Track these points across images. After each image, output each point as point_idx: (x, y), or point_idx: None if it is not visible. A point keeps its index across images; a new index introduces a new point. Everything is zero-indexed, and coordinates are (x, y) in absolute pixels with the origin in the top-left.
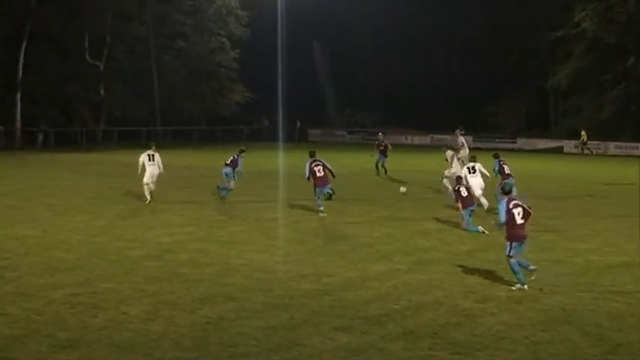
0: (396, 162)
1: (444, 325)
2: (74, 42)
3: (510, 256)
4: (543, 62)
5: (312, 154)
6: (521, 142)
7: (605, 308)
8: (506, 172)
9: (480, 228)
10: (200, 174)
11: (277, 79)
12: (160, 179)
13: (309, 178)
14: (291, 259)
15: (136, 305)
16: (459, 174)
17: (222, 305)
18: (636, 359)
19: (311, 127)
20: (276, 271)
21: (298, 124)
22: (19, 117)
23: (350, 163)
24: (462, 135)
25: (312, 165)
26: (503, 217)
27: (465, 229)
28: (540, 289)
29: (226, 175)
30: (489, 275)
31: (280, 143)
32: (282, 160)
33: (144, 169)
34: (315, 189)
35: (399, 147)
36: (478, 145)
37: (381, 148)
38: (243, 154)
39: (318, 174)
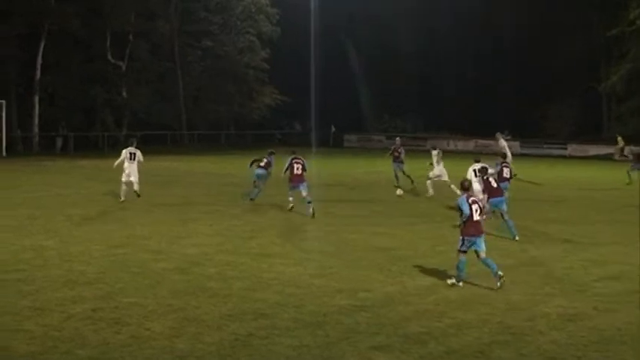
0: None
1: (489, 344)
2: (95, 41)
3: (461, 252)
4: (595, 63)
5: (293, 152)
6: (572, 149)
7: None
8: (504, 175)
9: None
10: (229, 181)
11: (310, 81)
12: (187, 187)
13: (285, 172)
14: (326, 272)
15: (161, 321)
16: (444, 178)
17: (251, 322)
18: None
19: (347, 132)
20: (310, 286)
21: (333, 129)
22: (36, 121)
23: (389, 171)
24: (505, 139)
25: (293, 161)
26: (467, 210)
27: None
28: (594, 307)
29: (259, 176)
30: (537, 291)
31: (314, 149)
32: (315, 167)
33: (122, 166)
34: (289, 184)
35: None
36: (525, 151)
37: (395, 154)
38: (273, 155)
39: (295, 171)
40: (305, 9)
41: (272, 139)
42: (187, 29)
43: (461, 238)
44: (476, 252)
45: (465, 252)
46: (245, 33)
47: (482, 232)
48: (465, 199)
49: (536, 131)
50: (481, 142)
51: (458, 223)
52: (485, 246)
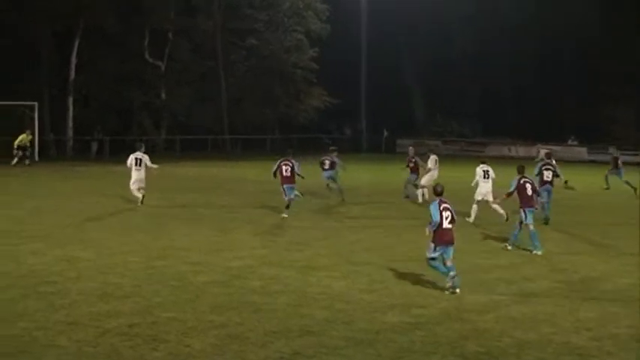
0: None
1: None
2: (132, 39)
3: (431, 259)
4: None
5: (287, 153)
6: None
7: None
8: (545, 178)
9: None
10: (274, 189)
11: (360, 82)
12: (228, 195)
13: (275, 175)
14: (377, 286)
15: (201, 338)
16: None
17: (297, 339)
18: None
19: (400, 136)
20: (360, 301)
21: (385, 133)
22: (70, 123)
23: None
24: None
25: (281, 163)
26: (436, 217)
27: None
28: None
29: (330, 177)
30: (606, 309)
31: (365, 154)
32: (367, 174)
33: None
34: (282, 186)
35: (499, 160)
36: (592, 157)
37: (411, 165)
38: (335, 152)
39: (284, 173)
40: (356, 5)
41: (319, 143)
42: (231, 27)
43: (432, 245)
44: (442, 257)
45: (434, 258)
46: (292, 31)
47: (452, 241)
48: (437, 205)
49: (604, 136)
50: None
51: (428, 230)
52: (453, 252)
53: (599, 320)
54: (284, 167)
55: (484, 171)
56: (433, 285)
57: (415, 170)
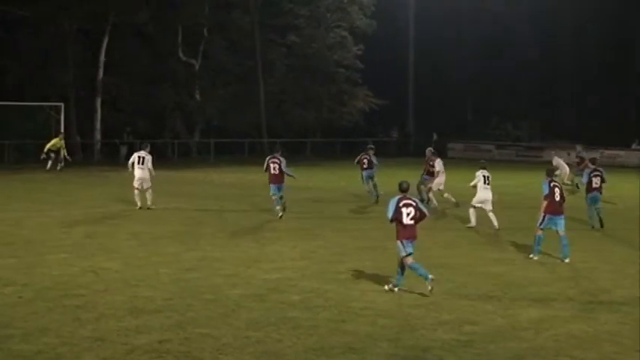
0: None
1: None
2: (164, 37)
3: (403, 257)
4: None
5: (274, 150)
6: None
7: None
8: (594, 185)
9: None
10: (316, 196)
11: (408, 82)
12: (266, 202)
13: (266, 170)
14: (425, 301)
15: (237, 355)
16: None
17: (340, 357)
18: None
19: (451, 140)
20: (407, 317)
21: (435, 136)
22: (98, 126)
23: (500, 185)
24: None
25: (269, 160)
26: (390, 214)
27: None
28: None
29: (369, 177)
30: None
31: (413, 159)
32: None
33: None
34: (270, 185)
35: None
36: None
37: (428, 167)
38: (372, 150)
39: (272, 171)
40: None
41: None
42: (269, 23)
43: (398, 242)
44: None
45: (407, 256)
46: (335, 27)
47: (413, 237)
48: (396, 201)
49: None
50: (608, 152)
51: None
52: (413, 250)
53: None
54: (272, 165)
55: (484, 176)
56: (486, 299)
57: (431, 173)
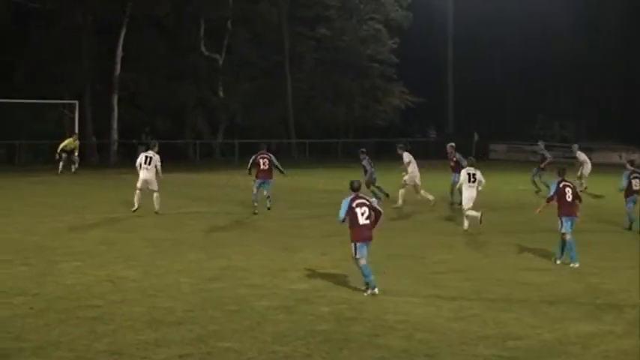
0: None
1: None
2: (186, 29)
3: (357, 258)
4: None
5: (261, 147)
6: None
7: None
8: (634, 187)
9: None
10: None
11: (447, 79)
12: (293, 207)
13: (250, 170)
14: (465, 314)
15: None
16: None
17: None
18: None
19: (493, 140)
20: (446, 331)
21: (476, 136)
22: (115, 125)
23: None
24: None
25: (258, 157)
26: (342, 214)
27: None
28: None
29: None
30: None
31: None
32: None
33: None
34: (255, 181)
35: (608, 167)
36: None
37: (452, 163)
38: (363, 154)
39: (262, 166)
40: None
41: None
42: (298, 14)
43: (352, 244)
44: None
45: (362, 257)
46: (369, 19)
47: (369, 238)
48: (349, 201)
49: None
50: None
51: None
52: (368, 252)
53: None
54: (261, 160)
55: (469, 174)
56: (532, 312)
57: (457, 170)
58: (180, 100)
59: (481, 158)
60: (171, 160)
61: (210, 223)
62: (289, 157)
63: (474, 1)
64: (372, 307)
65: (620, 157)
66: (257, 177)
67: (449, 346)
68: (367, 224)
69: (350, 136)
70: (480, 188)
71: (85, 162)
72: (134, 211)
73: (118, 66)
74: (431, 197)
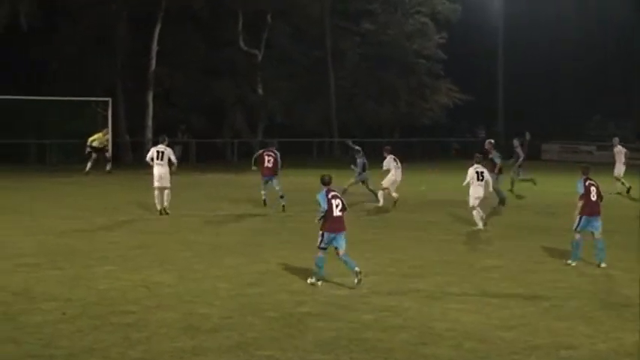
0: None
1: None
2: (224, 23)
3: (321, 248)
4: None
5: (270, 144)
6: None
7: None
8: None
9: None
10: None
11: (498, 75)
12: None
13: (255, 164)
14: (517, 322)
15: None
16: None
17: None
18: None
19: (545, 140)
20: (496, 340)
21: (528, 136)
22: (150, 123)
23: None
24: None
25: (264, 153)
26: (325, 205)
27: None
28: None
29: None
30: None
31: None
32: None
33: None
34: (262, 178)
35: None
36: None
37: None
38: (358, 152)
39: (266, 164)
40: None
41: (447, 148)
42: (341, 8)
43: (320, 233)
44: (335, 249)
45: (324, 249)
46: (415, 13)
47: (343, 229)
48: (325, 194)
49: None
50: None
51: (317, 218)
52: (346, 243)
53: None
54: (266, 157)
55: (477, 172)
56: (585, 321)
57: (492, 169)
58: (218, 97)
59: (533, 158)
60: (209, 160)
61: (249, 225)
62: (331, 157)
63: None
64: (418, 315)
65: None
66: (262, 174)
67: (499, 356)
68: (340, 216)
69: (396, 136)
70: (490, 189)
71: (119, 161)
72: (160, 212)
73: (153, 61)
74: (395, 195)
